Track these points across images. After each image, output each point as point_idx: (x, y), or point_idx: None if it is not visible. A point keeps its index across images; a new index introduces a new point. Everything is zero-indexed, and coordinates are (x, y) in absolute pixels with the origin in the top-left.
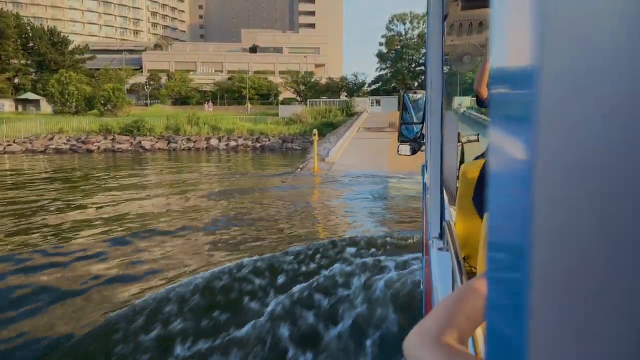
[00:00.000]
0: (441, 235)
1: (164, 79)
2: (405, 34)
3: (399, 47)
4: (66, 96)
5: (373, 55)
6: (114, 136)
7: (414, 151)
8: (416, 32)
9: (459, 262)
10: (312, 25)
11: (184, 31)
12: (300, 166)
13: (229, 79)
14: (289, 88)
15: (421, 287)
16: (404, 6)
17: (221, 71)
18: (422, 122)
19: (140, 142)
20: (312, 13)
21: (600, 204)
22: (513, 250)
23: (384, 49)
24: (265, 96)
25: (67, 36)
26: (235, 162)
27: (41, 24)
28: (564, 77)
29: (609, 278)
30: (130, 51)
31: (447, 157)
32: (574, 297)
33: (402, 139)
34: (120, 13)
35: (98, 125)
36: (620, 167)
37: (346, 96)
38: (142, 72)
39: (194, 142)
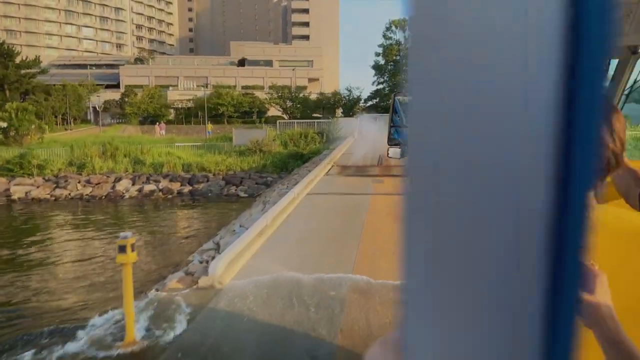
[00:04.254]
0: None
1: (140, 94)
2: (406, 42)
3: (398, 57)
4: None
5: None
6: None
7: (403, 154)
8: None
9: None
10: (307, 37)
11: (173, 45)
12: (93, 324)
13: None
14: (274, 105)
15: None
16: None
17: (205, 86)
18: None
19: (8, 188)
20: (307, 24)
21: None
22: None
23: (381, 60)
24: (248, 114)
25: (13, 47)
26: (104, 235)
27: None
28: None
29: (473, 272)
30: (110, 66)
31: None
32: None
33: (392, 142)
34: (102, 26)
35: None
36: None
37: (342, 114)
38: (119, 88)
39: (95, 185)
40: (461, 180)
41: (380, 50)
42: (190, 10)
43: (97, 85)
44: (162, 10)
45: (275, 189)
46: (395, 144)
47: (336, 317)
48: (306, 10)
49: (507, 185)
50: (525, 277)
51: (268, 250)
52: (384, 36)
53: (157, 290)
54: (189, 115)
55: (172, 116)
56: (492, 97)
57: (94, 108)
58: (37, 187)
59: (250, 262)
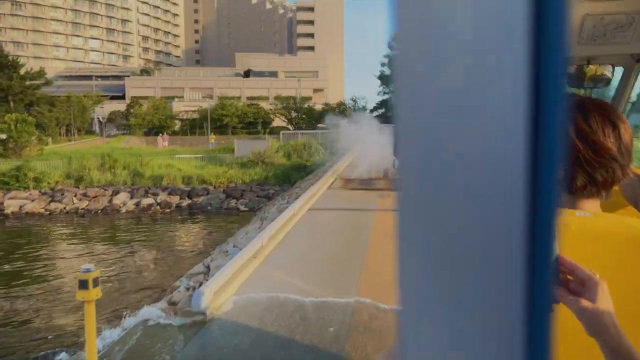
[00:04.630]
0: None
1: (145, 106)
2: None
3: None
4: None
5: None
6: None
7: None
8: None
9: None
10: (312, 48)
11: (179, 56)
12: None
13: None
14: (278, 115)
15: None
16: None
17: (211, 97)
18: None
19: (2, 202)
20: (312, 35)
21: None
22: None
23: (386, 70)
24: (252, 125)
25: (17, 59)
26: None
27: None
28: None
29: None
30: (116, 77)
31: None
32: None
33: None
34: (108, 38)
35: None
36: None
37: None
38: (125, 99)
39: (91, 198)
40: (444, 188)
41: (385, 60)
42: (196, 22)
43: (102, 96)
44: (168, 22)
45: (275, 204)
46: None
47: (340, 345)
48: (311, 22)
49: (484, 192)
50: (503, 280)
51: (261, 276)
52: (389, 46)
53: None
54: (193, 127)
55: (177, 127)
56: (465, 107)
57: (99, 119)
58: (32, 200)
59: (241, 289)
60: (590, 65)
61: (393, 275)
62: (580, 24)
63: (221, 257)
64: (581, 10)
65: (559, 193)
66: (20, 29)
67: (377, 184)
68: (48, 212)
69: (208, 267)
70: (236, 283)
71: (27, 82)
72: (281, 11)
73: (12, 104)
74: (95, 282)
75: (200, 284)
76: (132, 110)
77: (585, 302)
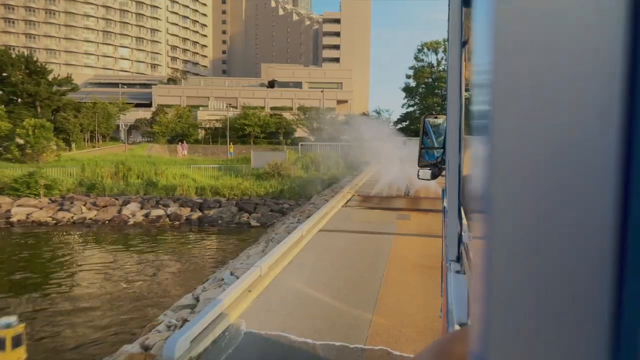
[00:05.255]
0: (459, 259)
1: (170, 114)
2: (438, 64)
3: (430, 80)
4: None
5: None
6: None
7: (434, 176)
8: None
9: None
10: (337, 60)
11: (206, 66)
12: None
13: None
14: (300, 126)
15: (440, 314)
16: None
17: (235, 107)
18: (444, 147)
19: (10, 210)
20: (337, 47)
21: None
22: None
23: (412, 82)
24: (274, 135)
25: (46, 64)
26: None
27: (19, 51)
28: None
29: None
30: (144, 85)
31: (467, 182)
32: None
33: (423, 164)
34: (138, 46)
35: None
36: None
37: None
38: (151, 106)
39: (100, 208)
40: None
41: (411, 72)
42: (224, 32)
43: (128, 103)
44: (196, 32)
45: (285, 222)
46: (426, 166)
47: None
48: (337, 34)
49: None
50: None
51: (253, 315)
52: (416, 58)
53: None
54: (216, 135)
55: (200, 136)
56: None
57: (131, 125)
58: (40, 208)
59: (228, 333)
60: None
61: (411, 317)
62: None
63: (214, 287)
64: None
65: None
66: (54, 37)
67: (397, 202)
68: (54, 222)
69: (197, 299)
70: (223, 324)
71: (54, 88)
72: (307, 23)
73: (39, 109)
74: (17, 341)
75: (183, 323)
76: (156, 118)
77: None
